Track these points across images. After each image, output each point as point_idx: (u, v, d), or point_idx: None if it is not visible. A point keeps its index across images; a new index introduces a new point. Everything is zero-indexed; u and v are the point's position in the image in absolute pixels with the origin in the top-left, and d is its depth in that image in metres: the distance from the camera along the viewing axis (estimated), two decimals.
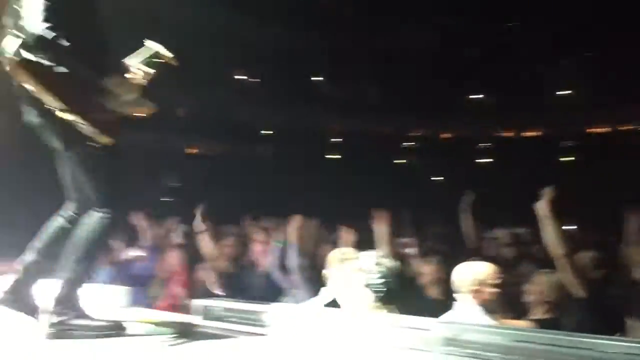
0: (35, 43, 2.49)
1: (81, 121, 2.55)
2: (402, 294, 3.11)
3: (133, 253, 6.14)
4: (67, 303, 2.72)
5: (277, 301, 4.43)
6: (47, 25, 2.47)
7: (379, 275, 3.06)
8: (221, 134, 18.79)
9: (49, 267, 2.87)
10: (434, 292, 4.68)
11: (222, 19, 15.76)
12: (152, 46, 2.87)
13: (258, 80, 19.88)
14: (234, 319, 3.02)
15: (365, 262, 3.15)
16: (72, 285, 2.73)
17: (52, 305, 2.70)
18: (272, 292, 4.77)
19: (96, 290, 4.24)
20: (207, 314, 3.14)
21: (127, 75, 2.73)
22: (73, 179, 2.86)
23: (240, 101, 18.21)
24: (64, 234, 2.83)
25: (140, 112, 2.84)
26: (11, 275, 2.84)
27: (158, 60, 2.86)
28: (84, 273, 2.76)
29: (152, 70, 2.81)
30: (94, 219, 2.74)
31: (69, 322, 2.71)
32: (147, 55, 2.83)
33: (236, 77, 19.42)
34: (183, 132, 19.96)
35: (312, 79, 19.46)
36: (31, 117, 2.70)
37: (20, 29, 2.55)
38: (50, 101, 2.52)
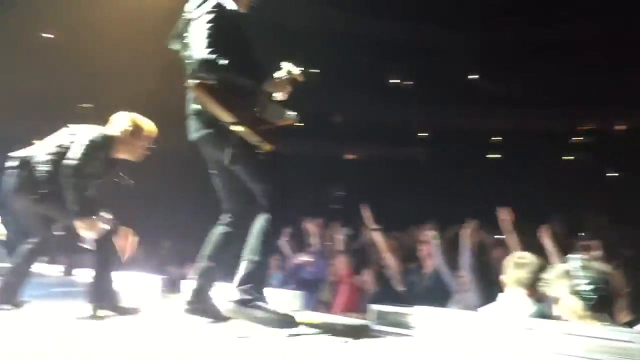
0: (202, 66, 2.81)
1: (248, 132, 2.83)
2: (615, 301, 2.79)
3: (303, 258, 6.31)
4: (251, 286, 2.89)
5: (446, 305, 4.30)
6: (210, 49, 2.79)
7: (588, 280, 2.76)
8: (377, 138, 18.88)
9: (221, 271, 3.07)
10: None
11: (372, 24, 15.86)
12: (285, 66, 3.10)
13: (411, 82, 19.74)
14: (407, 324, 2.95)
15: (572, 266, 2.85)
16: (255, 273, 2.91)
17: (238, 284, 2.89)
18: (440, 295, 4.65)
19: (268, 294, 4.41)
20: (381, 318, 3.10)
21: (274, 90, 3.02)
22: (233, 188, 3.14)
23: (395, 104, 18.19)
24: (228, 240, 3.13)
25: (286, 123, 3.05)
26: (189, 283, 3.09)
27: (294, 78, 3.10)
28: (261, 264, 2.95)
29: (288, 89, 3.09)
30: (262, 221, 2.96)
31: (250, 303, 2.86)
32: (283, 75, 3.08)
33: (390, 80, 19.42)
34: (341, 139, 20.39)
35: (468, 77, 18.91)
36: (200, 134, 2.98)
37: (190, 56, 2.90)
38: (223, 117, 2.80)
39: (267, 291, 3.00)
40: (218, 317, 3.04)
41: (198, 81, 2.82)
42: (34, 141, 3.95)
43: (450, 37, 16.61)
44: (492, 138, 19.52)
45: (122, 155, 3.84)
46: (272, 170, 3.00)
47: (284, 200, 3.02)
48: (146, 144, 3.87)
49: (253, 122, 2.86)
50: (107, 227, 3.65)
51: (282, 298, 4.07)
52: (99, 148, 3.65)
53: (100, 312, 3.63)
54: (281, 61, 3.13)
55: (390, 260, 5.19)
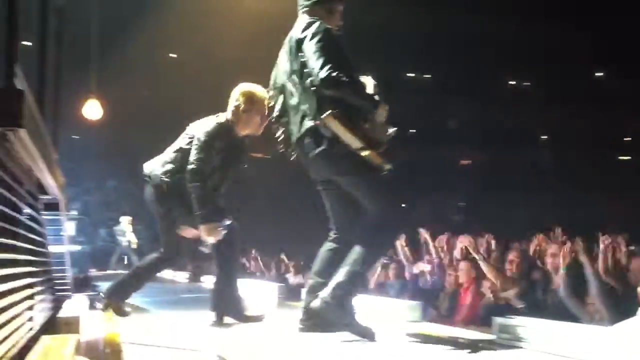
0: (326, 83, 2.86)
1: (373, 155, 2.91)
2: None
3: (421, 267, 6.20)
4: (343, 293, 2.90)
5: (573, 319, 4.01)
6: (330, 65, 2.87)
7: None
8: (496, 142, 18.25)
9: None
10: None
11: (487, 24, 15.37)
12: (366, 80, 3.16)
13: (529, 83, 18.98)
14: (531, 338, 2.78)
15: None
16: (351, 282, 2.92)
17: (332, 287, 2.90)
18: (566, 309, 4.33)
19: (387, 304, 4.34)
20: (504, 331, 2.95)
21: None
22: (341, 206, 3.21)
23: (513, 106, 17.53)
24: (336, 256, 3.13)
25: (389, 137, 3.05)
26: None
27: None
28: (361, 273, 2.99)
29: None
30: (372, 235, 3.02)
31: (335, 307, 2.87)
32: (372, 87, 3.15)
33: (509, 82, 18.76)
34: (456, 144, 19.94)
35: (595, 74, 17.83)
36: (316, 152, 3.00)
37: (308, 76, 2.97)
38: (354, 143, 2.87)
39: (355, 301, 3.02)
40: (333, 329, 3.01)
41: (329, 112, 2.87)
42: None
43: (571, 35, 15.76)
44: (624, 138, 18.29)
45: (244, 132, 3.82)
46: (387, 189, 3.04)
47: (395, 218, 3.08)
48: (262, 113, 3.76)
49: (376, 144, 2.94)
50: (227, 231, 3.69)
51: (400, 308, 4.00)
52: (213, 139, 3.66)
53: (225, 320, 3.72)
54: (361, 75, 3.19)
55: (503, 279, 4.93)
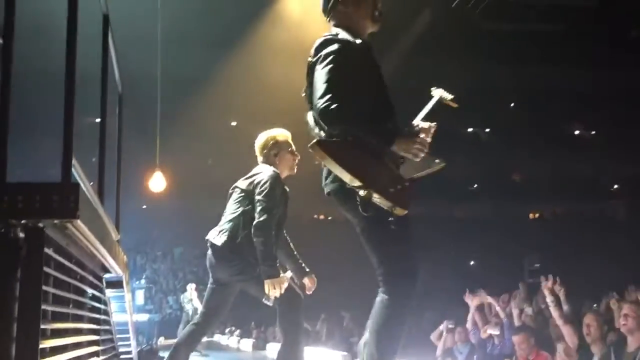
0: (322, 117, 2.46)
1: (378, 197, 2.42)
2: None
3: (490, 331, 5.95)
4: None
5: None
6: (329, 97, 2.42)
7: None
8: (565, 194, 17.72)
9: None
10: None
11: (551, 74, 15.16)
12: (437, 93, 2.80)
13: (594, 132, 18.50)
14: None
15: None
16: None
17: None
18: None
19: None
20: None
21: (413, 137, 2.51)
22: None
23: (580, 156, 17.06)
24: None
25: (432, 173, 2.61)
26: None
27: (447, 104, 2.78)
28: (381, 354, 2.50)
29: (434, 125, 2.63)
30: (380, 304, 2.55)
31: None
32: (433, 104, 2.75)
33: (575, 132, 18.34)
34: (523, 197, 19.47)
35: None
36: (330, 188, 2.63)
37: (313, 105, 2.55)
38: (348, 180, 2.43)
39: None
40: None
41: (316, 140, 2.44)
42: None
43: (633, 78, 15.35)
44: None
45: (284, 174, 3.81)
46: (399, 242, 2.53)
47: (409, 280, 2.54)
48: (292, 151, 3.79)
49: (385, 182, 2.44)
50: (291, 285, 3.62)
51: None
52: (274, 189, 3.63)
53: None
54: (431, 89, 2.81)
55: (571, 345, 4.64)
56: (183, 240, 22.28)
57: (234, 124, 20.87)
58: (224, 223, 3.83)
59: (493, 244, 15.65)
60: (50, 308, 1.95)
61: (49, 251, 1.83)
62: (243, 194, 3.78)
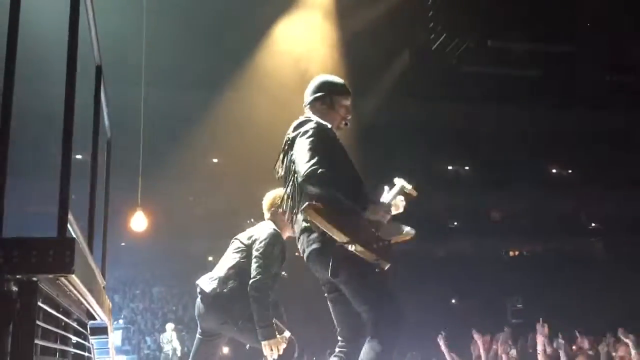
0: (308, 179, 2.71)
1: (364, 251, 2.65)
2: None
3: None
4: None
5: None
6: (313, 162, 2.72)
7: None
8: (544, 232, 17.91)
9: None
10: None
11: (525, 114, 15.50)
12: (398, 182, 3.01)
13: (571, 171, 18.84)
14: None
15: None
16: None
17: None
18: None
19: None
20: None
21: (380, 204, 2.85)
22: (343, 312, 2.93)
23: (558, 195, 17.31)
24: None
25: (404, 239, 2.86)
26: None
27: (408, 193, 3.01)
28: None
29: (403, 204, 2.97)
30: (369, 346, 2.70)
31: None
32: (397, 191, 2.98)
33: (552, 170, 18.65)
34: (503, 235, 19.63)
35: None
36: (308, 252, 2.85)
37: (295, 174, 2.84)
38: (338, 236, 2.65)
39: None
40: None
41: (307, 203, 2.69)
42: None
43: (612, 119, 15.74)
44: None
45: (286, 234, 3.80)
46: (381, 292, 2.75)
47: (392, 327, 2.72)
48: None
49: (369, 239, 2.69)
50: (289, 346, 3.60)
51: None
52: (273, 247, 3.68)
53: None
54: (394, 178, 3.05)
55: None
56: (161, 279, 22.00)
57: (215, 160, 20.93)
58: (217, 271, 3.82)
59: (474, 282, 15.69)
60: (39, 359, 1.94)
61: (40, 303, 1.83)
62: (241, 246, 3.81)
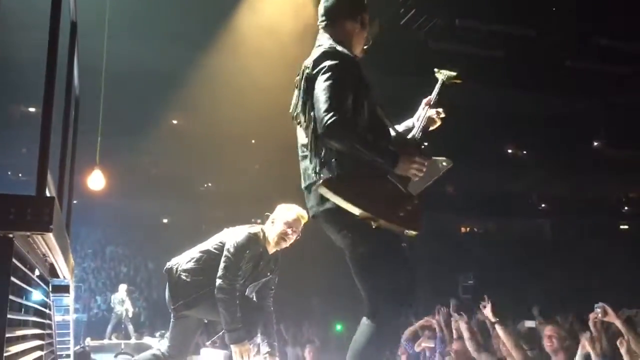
0: (325, 134, 2.38)
1: (388, 224, 2.39)
2: None
3: (424, 344, 6.14)
4: None
5: None
6: (334, 112, 2.35)
7: None
8: (496, 210, 18.37)
9: None
10: None
11: (489, 94, 15.73)
12: (443, 75, 2.80)
13: (526, 152, 19.26)
14: None
15: None
16: None
17: None
18: None
19: None
20: None
21: (411, 157, 2.44)
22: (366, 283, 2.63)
23: (513, 175, 17.74)
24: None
25: (442, 174, 2.62)
26: None
27: (452, 83, 2.79)
28: None
29: (439, 117, 2.73)
30: (366, 328, 2.52)
31: None
32: (439, 88, 2.76)
33: (508, 150, 19.03)
34: (456, 210, 20.05)
35: (594, 144, 18.13)
36: (316, 211, 2.58)
37: (313, 122, 2.47)
38: (359, 213, 2.36)
39: None
40: None
41: (322, 179, 2.39)
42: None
43: (570, 104, 16.12)
44: (625, 208, 18.44)
45: (272, 247, 3.77)
46: (400, 265, 2.50)
47: (395, 313, 2.53)
48: (292, 230, 3.73)
49: (392, 209, 2.39)
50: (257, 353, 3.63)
51: None
52: (243, 251, 3.62)
53: None
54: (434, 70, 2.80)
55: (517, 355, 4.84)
56: (114, 239, 21.77)
57: (174, 122, 20.63)
58: (193, 253, 3.81)
59: (425, 257, 16.03)
60: (9, 316, 1.95)
61: (13, 260, 1.83)
62: (218, 243, 3.78)
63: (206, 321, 3.97)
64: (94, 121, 10.51)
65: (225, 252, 3.64)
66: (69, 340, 4.67)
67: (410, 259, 2.58)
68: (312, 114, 2.46)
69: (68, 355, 4.61)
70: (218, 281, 3.56)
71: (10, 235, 1.70)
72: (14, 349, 2.05)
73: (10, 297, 1.84)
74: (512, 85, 14.40)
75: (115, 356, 8.11)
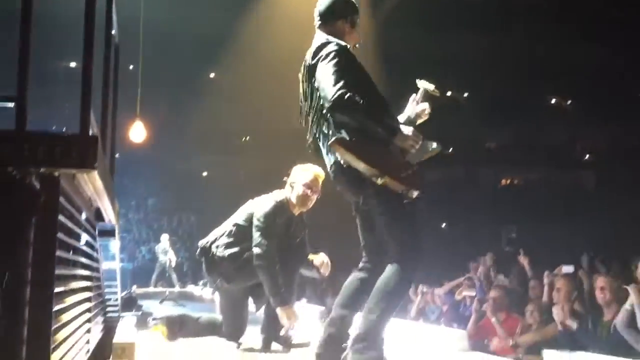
0: (336, 105, 2.67)
1: (393, 182, 2.64)
2: None
3: (465, 293, 6.15)
4: (365, 345, 2.70)
5: (627, 351, 3.92)
6: (340, 85, 2.66)
7: None
8: (537, 161, 18.02)
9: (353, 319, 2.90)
10: None
11: (525, 43, 15.23)
12: (422, 85, 3.01)
13: (570, 101, 18.71)
14: None
15: None
16: (370, 331, 2.71)
17: (352, 343, 2.74)
18: (619, 347, 4.19)
19: (430, 331, 4.33)
20: None
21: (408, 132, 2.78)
22: (369, 232, 2.92)
23: (555, 125, 17.31)
24: (362, 287, 2.88)
25: (431, 155, 2.89)
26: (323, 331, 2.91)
27: (433, 95, 3.02)
28: (377, 322, 2.71)
29: (427, 111, 2.99)
30: (389, 274, 2.73)
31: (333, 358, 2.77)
32: (421, 97, 3.00)
33: (552, 100, 18.54)
34: (495, 164, 19.76)
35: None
36: (334, 170, 2.86)
37: (318, 102, 2.80)
38: (367, 171, 2.65)
39: (384, 346, 2.75)
40: None
41: (334, 139, 2.70)
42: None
43: (612, 54, 15.52)
44: None
45: (296, 208, 3.85)
46: (409, 220, 2.77)
47: (416, 255, 2.77)
48: (312, 189, 3.81)
49: (396, 168, 2.69)
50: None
51: (447, 337, 4.00)
52: (273, 218, 3.69)
53: (272, 345, 3.75)
54: (416, 79, 3.03)
55: (560, 304, 4.81)
56: (155, 192, 22.20)
57: (212, 75, 20.65)
58: (223, 228, 3.87)
59: (466, 209, 15.93)
60: (58, 253, 2.00)
61: (61, 199, 1.87)
62: (244, 215, 3.83)
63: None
64: (134, 75, 10.62)
65: (255, 222, 3.71)
66: (117, 285, 4.82)
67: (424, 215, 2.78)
68: (317, 95, 2.79)
69: (116, 300, 4.77)
70: (254, 249, 3.63)
71: (57, 174, 1.74)
72: (63, 286, 2.12)
73: (59, 235, 1.89)
74: (555, 31, 13.91)
75: (161, 302, 8.37)
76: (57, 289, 1.98)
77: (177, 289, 14.19)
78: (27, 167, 1.66)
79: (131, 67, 11.24)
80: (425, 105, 2.97)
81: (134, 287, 11.44)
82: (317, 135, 2.91)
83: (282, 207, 3.78)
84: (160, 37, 12.52)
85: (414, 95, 3.01)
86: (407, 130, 2.77)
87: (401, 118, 3.03)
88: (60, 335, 2.03)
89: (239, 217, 3.86)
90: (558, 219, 13.48)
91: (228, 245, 3.75)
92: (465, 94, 19.66)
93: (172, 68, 15.86)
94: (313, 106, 2.85)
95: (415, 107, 2.97)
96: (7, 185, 1.65)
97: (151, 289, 13.98)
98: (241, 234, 3.74)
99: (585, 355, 2.85)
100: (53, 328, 1.80)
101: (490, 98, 16.91)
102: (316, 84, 2.80)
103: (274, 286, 3.58)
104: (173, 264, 15.60)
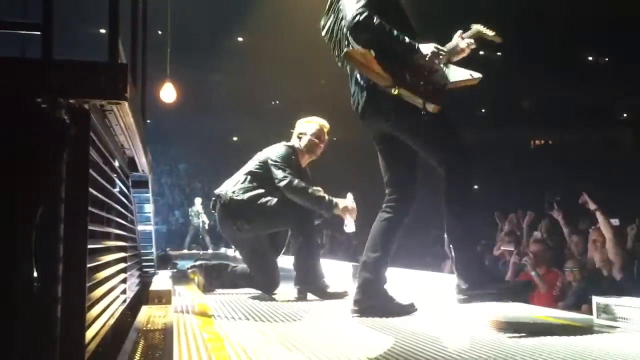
0: (353, 27, 2.68)
1: (409, 94, 2.59)
2: None
3: (504, 247, 6.04)
4: (371, 286, 2.79)
5: None
6: (362, 6, 2.66)
7: None
8: (572, 121, 17.60)
9: (387, 262, 2.88)
10: None
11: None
12: (475, 28, 2.90)
13: (607, 59, 18.17)
14: (635, 319, 2.63)
15: None
16: (474, 270, 2.70)
17: (357, 291, 2.80)
18: None
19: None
20: (604, 312, 2.81)
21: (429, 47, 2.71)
22: (394, 166, 2.92)
23: (591, 84, 16.82)
24: (390, 226, 2.87)
25: (470, 84, 2.75)
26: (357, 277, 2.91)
27: (485, 37, 2.89)
28: (465, 235, 2.73)
29: (469, 48, 2.85)
30: (453, 189, 2.73)
31: (370, 302, 2.78)
32: (472, 34, 2.89)
33: (588, 57, 18.00)
34: (529, 124, 19.37)
35: None
36: (361, 102, 2.83)
37: (341, 22, 2.82)
38: (380, 80, 2.62)
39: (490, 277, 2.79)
40: (392, 313, 2.77)
41: (349, 48, 2.72)
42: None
43: None
44: None
45: (304, 158, 3.98)
46: (443, 131, 2.72)
47: (466, 154, 2.74)
48: (320, 139, 3.97)
49: (414, 82, 2.62)
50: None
51: None
52: (289, 158, 3.82)
53: (309, 296, 3.73)
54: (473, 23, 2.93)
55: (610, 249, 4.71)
56: (186, 156, 22.36)
57: (240, 39, 20.52)
58: (237, 177, 3.89)
59: (496, 170, 15.68)
60: (91, 190, 1.92)
61: (91, 134, 1.80)
62: (257, 163, 3.89)
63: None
64: (163, 36, 10.56)
65: (272, 163, 3.79)
66: (152, 245, 4.84)
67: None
68: (341, 16, 2.81)
69: (151, 260, 4.79)
70: (281, 183, 3.69)
71: (86, 107, 1.66)
72: (98, 228, 2.07)
73: (91, 172, 1.82)
74: None
75: (195, 261, 8.43)
76: (90, 226, 1.92)
77: (210, 251, 14.36)
78: (55, 97, 1.57)
79: (160, 32, 11.19)
80: (471, 41, 2.86)
81: (168, 250, 11.59)
82: (344, 63, 2.88)
83: (294, 153, 3.90)
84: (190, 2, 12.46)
85: (460, 30, 2.90)
86: (428, 47, 2.70)
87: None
88: (98, 275, 1.99)
89: (252, 165, 3.91)
90: (593, 180, 13.16)
91: (246, 189, 3.78)
92: (499, 53, 19.24)
93: (201, 30, 15.79)
94: (337, 27, 2.88)
95: (461, 42, 2.85)
96: (36, 117, 1.58)
97: (185, 251, 14.16)
98: (257, 180, 3.80)
99: (637, 300, 2.74)
100: (88, 266, 1.75)
101: (524, 55, 16.47)
102: (340, 6, 2.82)
103: (317, 198, 3.65)
104: (207, 227, 15.77)
